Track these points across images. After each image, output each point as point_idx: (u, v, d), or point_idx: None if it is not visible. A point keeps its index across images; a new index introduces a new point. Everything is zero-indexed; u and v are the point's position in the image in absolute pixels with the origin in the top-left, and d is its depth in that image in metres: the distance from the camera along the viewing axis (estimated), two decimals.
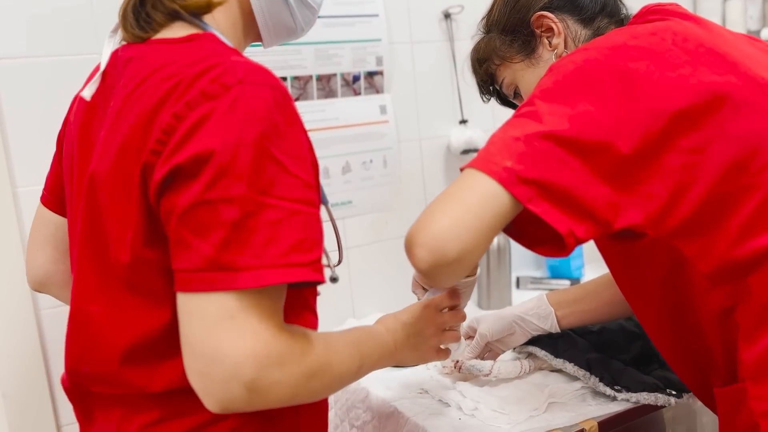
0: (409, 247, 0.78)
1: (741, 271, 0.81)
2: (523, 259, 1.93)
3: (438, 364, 1.28)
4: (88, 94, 0.80)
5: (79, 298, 0.80)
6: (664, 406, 1.12)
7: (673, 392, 1.12)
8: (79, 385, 0.82)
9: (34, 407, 1.30)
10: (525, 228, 0.82)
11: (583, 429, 1.07)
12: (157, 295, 0.72)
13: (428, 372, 1.30)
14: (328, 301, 1.23)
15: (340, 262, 0.91)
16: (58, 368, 1.31)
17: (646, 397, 1.12)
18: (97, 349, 0.77)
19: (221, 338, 0.63)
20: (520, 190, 0.75)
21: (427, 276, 0.78)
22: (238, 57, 0.73)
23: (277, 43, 0.90)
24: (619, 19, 1.05)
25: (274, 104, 0.68)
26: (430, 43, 1.74)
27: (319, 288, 0.83)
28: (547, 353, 1.23)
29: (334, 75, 1.59)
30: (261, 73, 0.70)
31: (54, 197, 0.97)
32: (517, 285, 1.84)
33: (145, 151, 0.69)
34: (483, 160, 0.78)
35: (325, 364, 0.71)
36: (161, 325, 0.72)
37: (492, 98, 1.16)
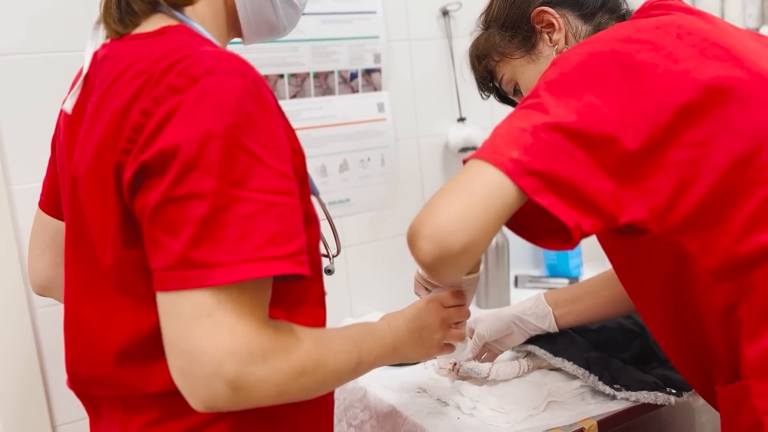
0: (413, 240, 0.76)
1: (745, 267, 0.81)
2: (521, 258, 1.93)
3: (436, 364, 1.28)
4: (69, 106, 0.79)
5: (71, 302, 0.80)
6: (664, 405, 1.12)
7: (673, 391, 1.12)
8: (81, 388, 0.82)
9: (29, 407, 1.29)
10: (527, 221, 0.81)
11: (582, 428, 1.07)
12: (143, 295, 0.71)
13: (426, 371, 1.29)
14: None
15: (338, 252, 0.90)
16: (54, 367, 1.30)
17: (645, 396, 1.11)
18: (92, 352, 0.77)
19: (199, 336, 0.63)
20: (526, 182, 0.74)
21: (431, 270, 0.77)
22: (210, 47, 0.71)
23: (257, 40, 0.89)
24: (620, 14, 1.04)
25: (244, 93, 0.66)
26: (428, 41, 1.73)
27: None
28: (546, 352, 1.22)
29: (332, 72, 1.58)
30: (231, 62, 0.69)
31: (51, 201, 0.96)
32: (516, 284, 1.83)
33: (117, 151, 0.68)
34: (489, 150, 0.76)
35: (316, 361, 0.70)
36: (152, 326, 0.71)
37: (491, 95, 1.15)
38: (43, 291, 1.01)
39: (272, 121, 0.69)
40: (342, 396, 1.33)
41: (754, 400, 0.82)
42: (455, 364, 1.22)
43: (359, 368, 0.79)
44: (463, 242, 0.73)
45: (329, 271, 0.82)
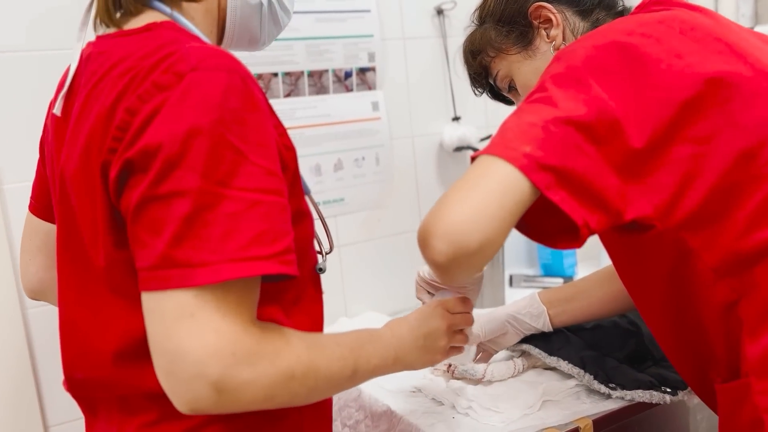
0: (425, 240, 0.73)
1: (747, 263, 0.80)
2: (516, 257, 1.92)
3: None
4: (58, 110, 0.78)
5: (65, 304, 0.79)
6: (659, 404, 1.12)
7: (668, 390, 1.11)
8: (78, 390, 0.81)
9: (21, 407, 1.28)
10: (531, 219, 0.79)
11: (577, 427, 1.07)
12: (136, 295, 0.70)
13: (421, 371, 1.28)
14: None
15: (331, 250, 0.89)
16: (46, 368, 1.30)
17: (640, 395, 1.11)
18: (88, 354, 0.76)
19: (182, 336, 0.61)
20: (539, 177, 0.72)
21: (444, 270, 0.74)
22: (197, 42, 0.70)
23: (233, 48, 0.87)
24: (617, 11, 1.04)
25: (231, 89, 0.65)
26: (422, 40, 1.73)
27: None
28: (540, 351, 1.22)
29: (326, 71, 1.58)
30: (218, 57, 0.67)
31: (41, 204, 0.95)
32: (510, 283, 1.83)
33: (104, 150, 0.67)
34: (500, 146, 0.74)
35: (307, 366, 0.68)
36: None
37: (484, 92, 1.14)
38: (36, 295, 1.00)
39: (260, 117, 0.67)
40: (337, 396, 1.33)
41: (755, 397, 0.81)
42: (450, 365, 1.21)
43: (356, 376, 0.77)
44: (479, 241, 0.70)
45: (321, 270, 0.81)
